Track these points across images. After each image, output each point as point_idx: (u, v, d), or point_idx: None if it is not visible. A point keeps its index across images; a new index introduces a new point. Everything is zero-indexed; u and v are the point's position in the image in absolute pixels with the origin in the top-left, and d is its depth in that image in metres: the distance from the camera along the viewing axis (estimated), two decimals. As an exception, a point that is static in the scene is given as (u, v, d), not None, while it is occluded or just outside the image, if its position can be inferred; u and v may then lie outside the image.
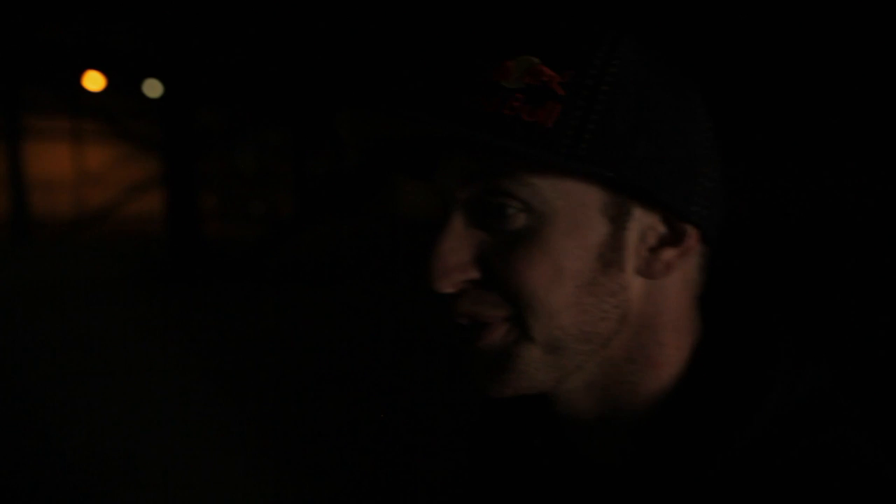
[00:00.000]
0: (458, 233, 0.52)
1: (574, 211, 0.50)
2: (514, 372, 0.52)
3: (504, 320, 0.52)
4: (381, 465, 3.41)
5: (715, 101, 0.60)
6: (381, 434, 3.80)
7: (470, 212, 0.52)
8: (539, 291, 0.50)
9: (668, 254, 0.53)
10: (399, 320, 6.63)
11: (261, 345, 5.81)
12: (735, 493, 0.48)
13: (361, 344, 5.77)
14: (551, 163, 0.48)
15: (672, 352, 0.55)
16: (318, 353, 5.54)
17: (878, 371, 3.88)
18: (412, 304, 7.38)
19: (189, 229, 9.12)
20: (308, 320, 6.77)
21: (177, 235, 9.12)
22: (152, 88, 11.58)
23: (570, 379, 0.54)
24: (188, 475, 3.32)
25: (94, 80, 11.60)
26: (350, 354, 5.46)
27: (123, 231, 15.18)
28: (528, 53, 0.51)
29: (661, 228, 0.53)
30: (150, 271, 9.41)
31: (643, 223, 0.53)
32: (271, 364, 5.22)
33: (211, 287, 8.55)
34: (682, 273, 0.55)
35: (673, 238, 0.53)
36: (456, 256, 0.52)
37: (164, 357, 5.42)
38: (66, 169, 18.26)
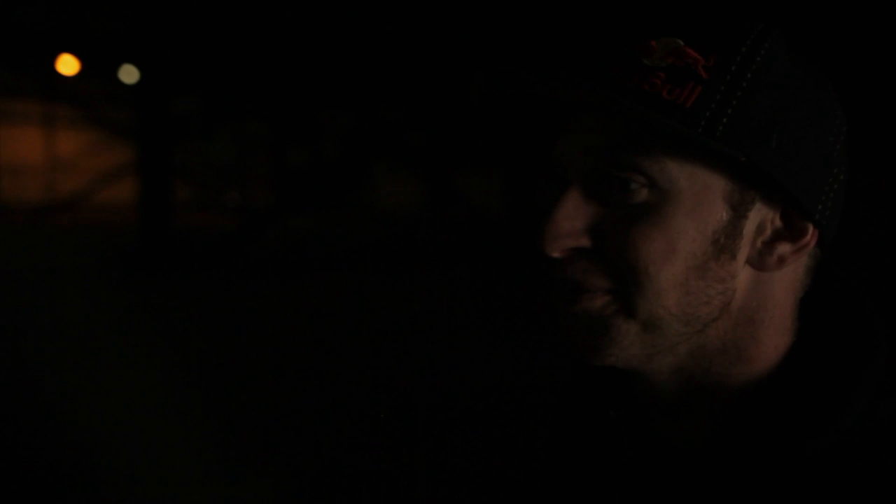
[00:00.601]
0: (576, 201, 0.53)
1: (697, 193, 0.51)
2: (608, 339, 0.53)
3: (607, 291, 0.53)
4: (355, 454, 3.38)
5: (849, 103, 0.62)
6: (357, 424, 3.78)
7: (590, 183, 0.54)
8: (651, 268, 0.51)
9: (784, 249, 0.54)
10: (375, 312, 6.59)
11: (232, 337, 5.72)
12: (813, 489, 0.49)
13: (336, 336, 5.72)
14: (688, 138, 0.49)
15: (768, 350, 0.55)
16: (291, 345, 5.47)
17: None
18: (389, 295, 7.36)
19: (162, 219, 8.96)
20: (282, 313, 6.69)
21: (149, 225, 8.95)
22: (129, 74, 11.36)
23: (659, 359, 0.55)
24: (160, 465, 3.27)
25: (67, 64, 11.35)
26: (325, 347, 5.40)
27: (94, 219, 14.90)
28: (673, 35, 0.53)
29: (779, 223, 0.54)
30: (121, 261, 9.23)
31: (763, 214, 0.53)
32: (243, 357, 5.14)
33: (183, 278, 8.42)
34: (792, 272, 0.56)
35: (790, 234, 0.54)
36: (570, 223, 0.53)
37: (134, 348, 5.33)
38: (37, 154, 17.89)
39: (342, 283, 8.30)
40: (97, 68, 12.35)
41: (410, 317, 6.47)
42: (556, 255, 0.53)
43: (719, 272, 0.52)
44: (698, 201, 0.51)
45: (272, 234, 10.54)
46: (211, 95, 16.45)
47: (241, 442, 3.60)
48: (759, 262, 0.53)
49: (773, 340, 0.55)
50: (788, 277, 0.55)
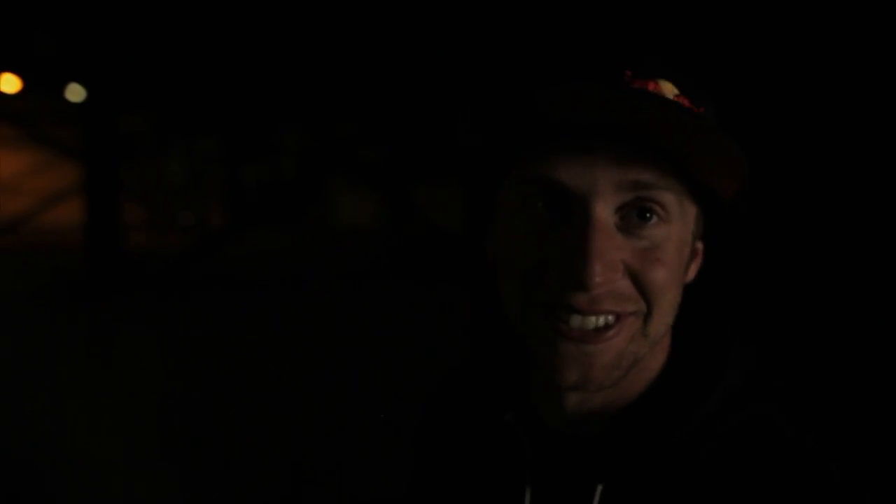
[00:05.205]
0: (610, 233, 0.56)
1: (684, 227, 0.59)
2: (622, 369, 0.59)
3: (632, 315, 0.58)
4: (317, 472, 3.37)
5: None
6: (314, 444, 3.75)
7: (616, 214, 0.57)
8: (666, 291, 0.58)
9: (693, 268, 0.64)
10: (334, 329, 6.48)
11: (186, 363, 5.55)
12: (677, 469, 0.58)
13: (296, 356, 5.62)
14: (743, 169, 0.55)
15: (657, 364, 0.65)
16: (249, 368, 5.34)
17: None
18: (347, 312, 7.28)
19: (110, 241, 8.69)
20: (239, 335, 6.53)
21: (97, 247, 8.67)
22: (74, 93, 11.08)
23: None
24: (117, 497, 3.21)
25: (9, 83, 11.08)
26: (284, 368, 5.30)
27: (39, 242, 14.41)
28: (668, 80, 0.57)
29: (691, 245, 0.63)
30: (68, 285, 8.93)
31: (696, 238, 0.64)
32: (198, 383, 5.00)
33: (134, 302, 8.17)
34: None
35: (693, 254, 0.64)
36: (611, 255, 0.55)
37: (83, 378, 5.13)
38: (-23, 176, 17.27)
39: (300, 302, 8.19)
40: (40, 87, 12.04)
41: (369, 333, 6.41)
42: (601, 288, 0.55)
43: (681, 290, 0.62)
44: (684, 235, 0.59)
45: (227, 253, 10.35)
46: (161, 112, 16.14)
47: (203, 468, 3.52)
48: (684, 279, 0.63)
49: (660, 356, 0.64)
50: None
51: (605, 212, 0.55)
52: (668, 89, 0.55)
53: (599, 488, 0.60)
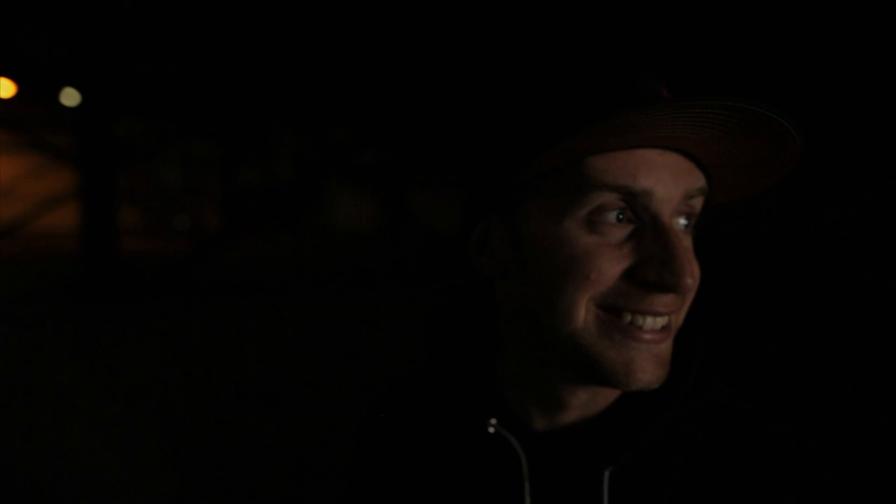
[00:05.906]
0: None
1: None
2: (669, 365, 0.61)
3: (675, 312, 0.60)
4: (316, 474, 3.33)
5: None
6: (313, 446, 3.73)
7: (671, 222, 0.59)
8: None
9: None
10: (330, 334, 6.48)
11: (182, 369, 5.54)
12: (660, 453, 0.63)
13: (291, 361, 5.62)
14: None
15: None
16: (245, 373, 5.32)
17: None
18: (344, 316, 7.28)
19: (106, 245, 8.66)
20: (235, 340, 6.52)
21: (92, 252, 8.65)
22: (70, 97, 11.07)
23: None
24: (114, 500, 3.19)
25: (4, 88, 11.05)
26: (280, 372, 5.29)
27: (35, 247, 14.37)
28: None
29: None
30: (64, 290, 8.91)
31: None
32: (195, 388, 4.98)
33: (130, 307, 8.15)
34: None
35: None
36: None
37: (80, 383, 5.11)
38: (-27, 180, 17.22)
39: (297, 306, 8.17)
40: (35, 92, 12.02)
41: (365, 337, 6.40)
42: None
43: None
44: None
45: (224, 257, 10.32)
46: (157, 117, 16.12)
47: (201, 471, 3.51)
48: None
49: None
50: None
51: (670, 216, 0.58)
52: None
53: (607, 473, 0.62)
